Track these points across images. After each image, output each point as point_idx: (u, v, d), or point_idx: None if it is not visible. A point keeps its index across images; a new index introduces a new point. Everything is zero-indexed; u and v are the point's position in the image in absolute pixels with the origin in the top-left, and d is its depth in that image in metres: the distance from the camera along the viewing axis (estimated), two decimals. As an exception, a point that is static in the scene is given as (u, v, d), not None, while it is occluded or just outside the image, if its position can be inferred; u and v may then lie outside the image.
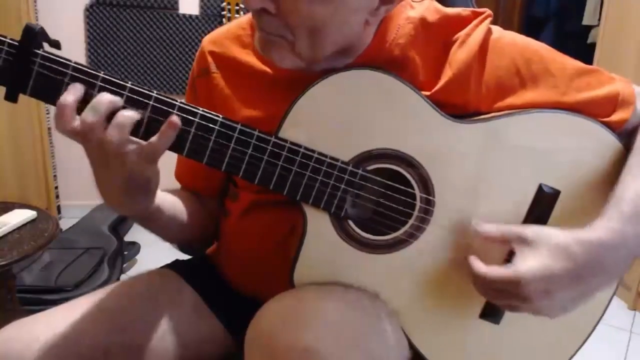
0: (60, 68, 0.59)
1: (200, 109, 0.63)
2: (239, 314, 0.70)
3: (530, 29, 3.28)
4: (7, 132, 2.24)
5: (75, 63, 0.60)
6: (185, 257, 0.93)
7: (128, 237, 2.23)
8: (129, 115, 0.58)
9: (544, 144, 0.71)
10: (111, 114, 0.58)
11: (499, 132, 0.70)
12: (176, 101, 0.62)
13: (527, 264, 0.62)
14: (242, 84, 0.76)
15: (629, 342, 1.96)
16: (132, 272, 2.23)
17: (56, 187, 2.54)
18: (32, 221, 1.56)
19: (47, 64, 0.59)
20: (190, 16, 2.52)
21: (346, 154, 0.67)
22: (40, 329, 0.68)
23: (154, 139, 0.59)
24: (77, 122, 0.57)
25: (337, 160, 0.67)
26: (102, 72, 0.60)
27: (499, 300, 0.66)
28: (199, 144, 0.64)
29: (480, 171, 0.70)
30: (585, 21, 2.86)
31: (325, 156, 0.66)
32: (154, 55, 2.56)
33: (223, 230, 0.85)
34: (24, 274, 1.75)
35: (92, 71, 0.60)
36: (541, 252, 0.62)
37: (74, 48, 2.52)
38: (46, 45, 0.62)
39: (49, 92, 0.60)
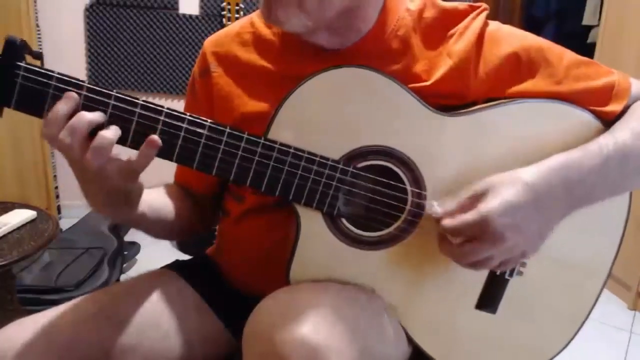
0: (43, 79, 0.59)
1: (188, 114, 0.63)
2: (239, 314, 0.70)
3: (530, 29, 3.26)
4: (7, 132, 2.23)
5: (59, 74, 0.59)
6: (186, 257, 0.93)
7: (128, 237, 2.23)
8: (109, 137, 0.58)
9: (533, 133, 0.71)
10: (94, 131, 0.58)
11: (487, 123, 0.71)
12: (163, 108, 0.62)
13: (487, 204, 0.62)
14: (243, 80, 0.77)
15: (629, 342, 1.95)
16: (132, 272, 2.22)
17: (56, 187, 2.54)
18: (32, 221, 1.56)
19: (30, 75, 0.58)
20: (190, 16, 2.51)
21: (336, 152, 0.68)
22: (40, 328, 0.68)
23: (133, 158, 0.60)
24: (60, 136, 0.57)
25: (327, 159, 0.67)
26: (87, 82, 0.59)
27: (474, 255, 0.63)
28: (188, 150, 0.63)
29: (470, 163, 0.70)
30: (585, 21, 2.85)
31: (316, 155, 0.66)
32: (154, 55, 2.56)
33: (223, 230, 0.85)
34: (24, 274, 1.74)
35: (76, 81, 0.59)
36: (495, 191, 0.63)
37: (74, 48, 2.53)
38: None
39: (34, 104, 0.59)
